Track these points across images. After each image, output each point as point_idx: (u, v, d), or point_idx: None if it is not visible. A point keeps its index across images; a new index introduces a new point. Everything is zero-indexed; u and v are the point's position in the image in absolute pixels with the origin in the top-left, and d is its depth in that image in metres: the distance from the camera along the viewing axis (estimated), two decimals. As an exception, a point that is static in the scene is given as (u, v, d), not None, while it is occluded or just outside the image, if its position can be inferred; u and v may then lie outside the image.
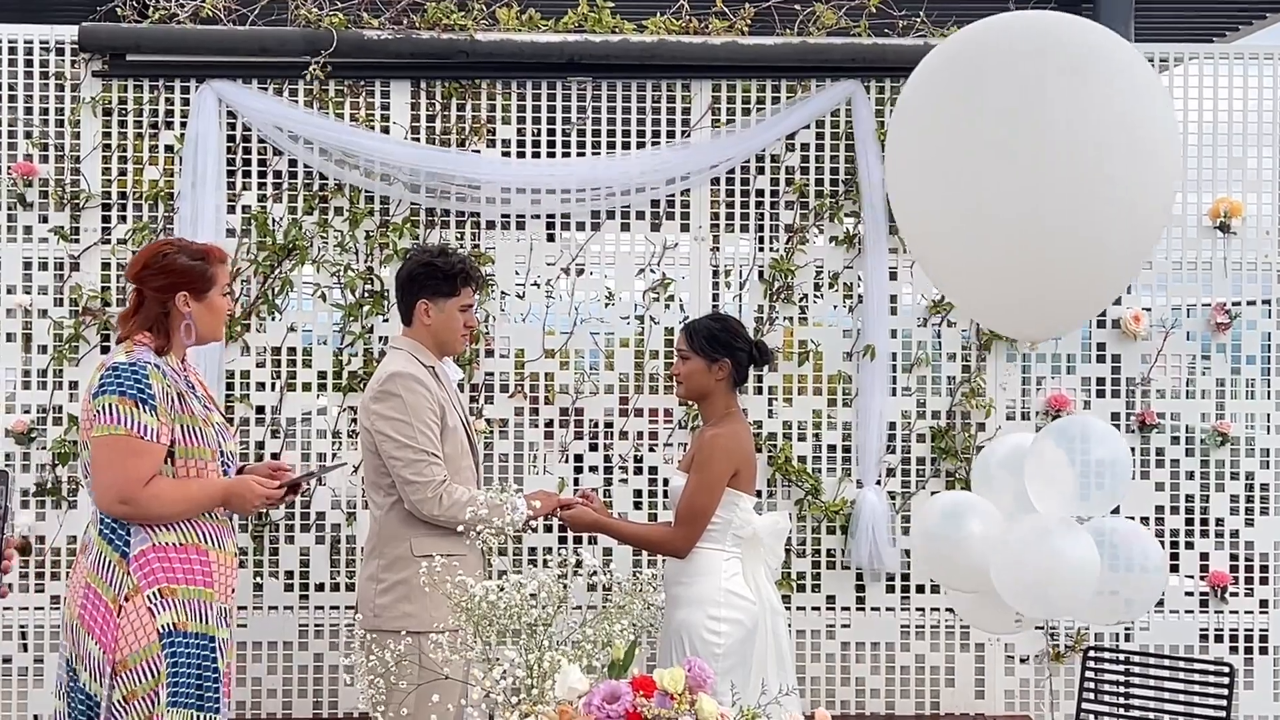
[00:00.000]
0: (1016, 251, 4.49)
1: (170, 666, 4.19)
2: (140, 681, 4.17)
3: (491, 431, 6.36)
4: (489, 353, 6.42)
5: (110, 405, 4.21)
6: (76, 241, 6.28)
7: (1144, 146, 4.42)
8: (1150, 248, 4.92)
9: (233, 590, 4.44)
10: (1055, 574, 4.70)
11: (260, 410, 6.35)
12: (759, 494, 5.93)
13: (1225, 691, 5.25)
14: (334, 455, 6.30)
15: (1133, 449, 6.39)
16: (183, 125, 6.30)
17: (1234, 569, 6.48)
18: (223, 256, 4.56)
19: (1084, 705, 5.49)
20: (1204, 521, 6.48)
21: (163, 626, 4.19)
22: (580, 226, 6.49)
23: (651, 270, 6.47)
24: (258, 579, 6.31)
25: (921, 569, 6.13)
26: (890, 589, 6.46)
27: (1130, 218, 4.46)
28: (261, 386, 6.35)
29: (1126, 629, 6.40)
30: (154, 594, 4.20)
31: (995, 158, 4.40)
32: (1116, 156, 4.36)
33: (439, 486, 4.75)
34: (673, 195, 6.46)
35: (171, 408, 4.27)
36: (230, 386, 6.30)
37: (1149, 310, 6.49)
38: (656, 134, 6.48)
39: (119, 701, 4.16)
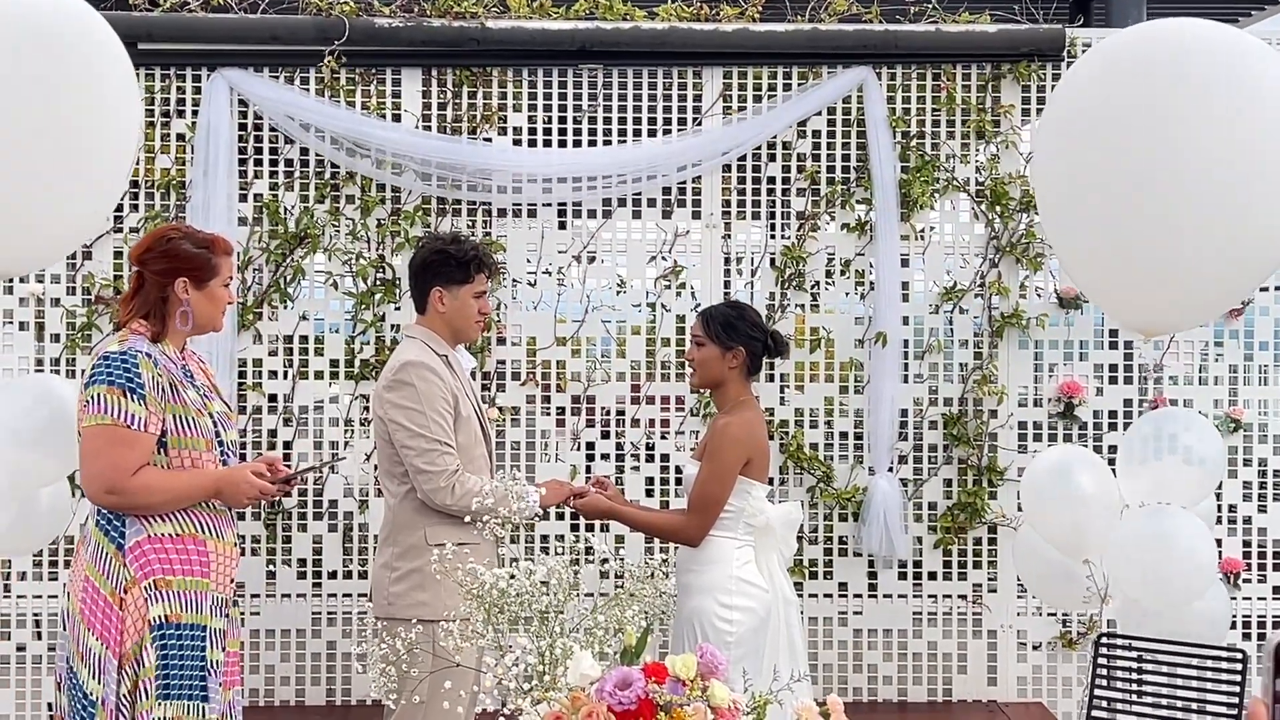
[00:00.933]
0: (1153, 257, 4.63)
1: (160, 658, 4.15)
2: (137, 673, 4.15)
3: (504, 419, 6.36)
4: (501, 340, 6.42)
5: (99, 395, 4.17)
6: (89, 230, 6.30)
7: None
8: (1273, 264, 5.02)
9: (232, 580, 4.41)
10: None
11: (272, 398, 6.36)
12: (771, 482, 5.93)
13: (1238, 678, 5.23)
14: (335, 455, 6.30)
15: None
16: (194, 114, 6.31)
17: (1247, 555, 6.48)
18: (228, 248, 4.51)
19: (1096, 691, 5.48)
20: (1217, 508, 6.47)
21: (154, 618, 4.15)
22: (592, 214, 6.49)
23: (663, 258, 6.47)
24: (270, 566, 6.32)
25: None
26: (902, 576, 6.46)
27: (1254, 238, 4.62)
28: (274, 375, 6.36)
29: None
30: (149, 585, 4.16)
31: (1136, 178, 4.55)
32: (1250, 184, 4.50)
33: (452, 476, 4.74)
34: (684, 182, 6.47)
35: (162, 396, 4.22)
36: (242, 375, 6.31)
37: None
38: (668, 121, 6.48)
39: (125, 695, 4.14)
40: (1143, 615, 5.38)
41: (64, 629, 4.27)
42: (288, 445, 6.30)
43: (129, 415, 4.16)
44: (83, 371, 6.12)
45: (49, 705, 6.20)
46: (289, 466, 4.78)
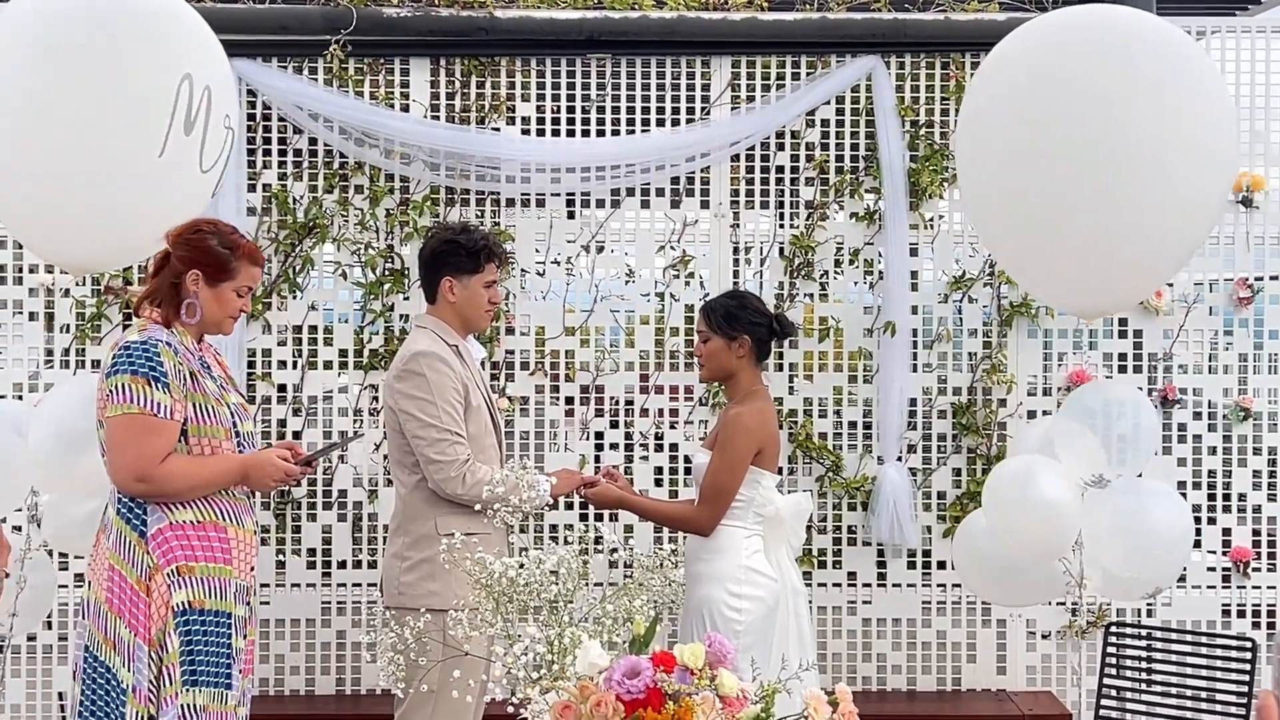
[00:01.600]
0: (1082, 232, 4.70)
1: (185, 644, 4.18)
2: (161, 658, 4.18)
3: (513, 409, 6.37)
4: (509, 330, 6.43)
5: (124, 384, 4.19)
6: (98, 221, 6.30)
7: (1201, 142, 4.68)
8: (1202, 235, 5.04)
9: (252, 568, 4.44)
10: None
11: (282, 388, 6.37)
12: (780, 471, 5.93)
13: (1248, 666, 5.24)
14: (354, 430, 6.31)
15: (1154, 424, 6.42)
16: (203, 104, 6.30)
17: (1256, 544, 6.47)
18: (255, 258, 4.44)
19: (1106, 680, 5.49)
20: (1226, 497, 6.47)
21: (178, 604, 4.17)
22: (600, 204, 6.49)
23: (672, 247, 6.47)
24: (280, 556, 6.34)
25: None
26: (911, 565, 6.46)
27: (1182, 207, 4.72)
28: (283, 365, 6.37)
29: (1149, 604, 6.40)
30: (172, 572, 4.19)
31: (1064, 151, 4.64)
32: (1176, 151, 4.62)
33: (463, 465, 4.75)
34: (693, 172, 6.46)
35: (184, 385, 4.25)
36: (251, 365, 6.32)
37: (1171, 285, 6.46)
38: (676, 111, 6.47)
39: (153, 680, 4.17)
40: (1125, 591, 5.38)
41: (84, 618, 4.29)
42: (297, 435, 6.30)
43: (155, 403, 4.18)
44: (94, 364, 6.19)
45: (59, 694, 6.22)
46: (306, 450, 4.79)
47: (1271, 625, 6.44)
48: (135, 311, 4.43)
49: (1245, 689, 5.24)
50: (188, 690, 4.17)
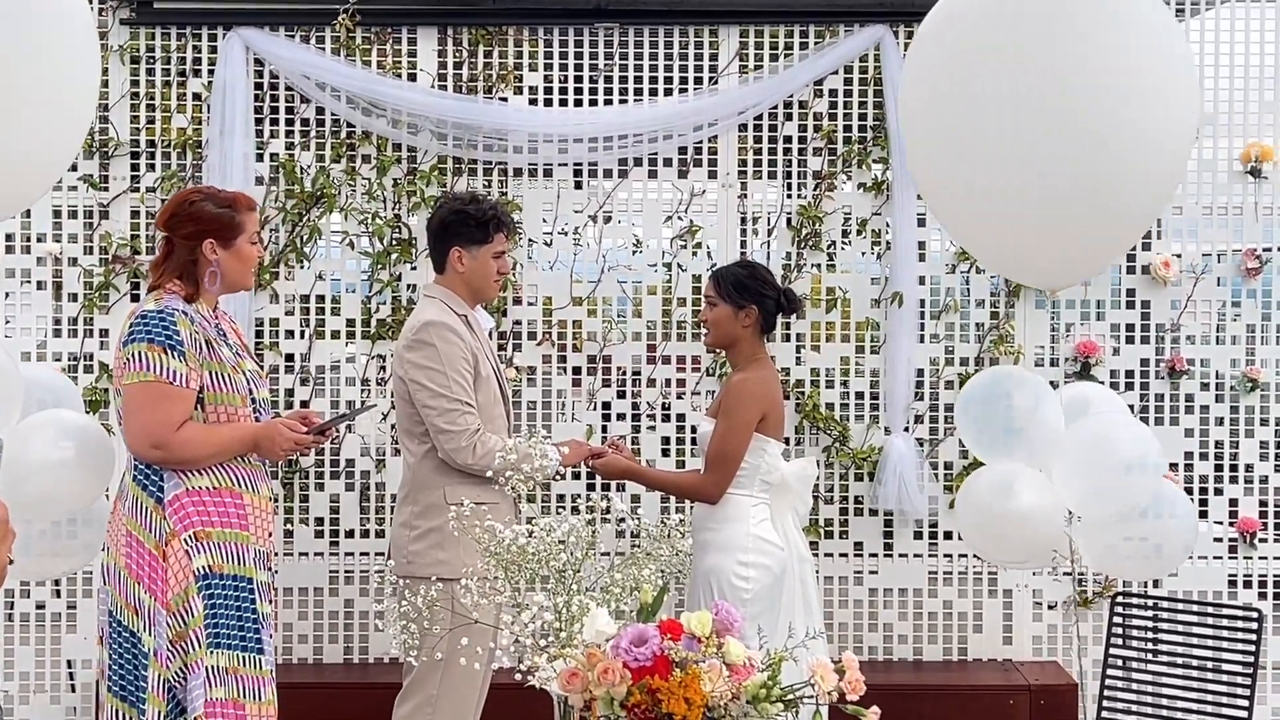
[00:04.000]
0: (1035, 200, 4.54)
1: (209, 608, 4.24)
2: (184, 623, 4.22)
3: (520, 379, 6.37)
4: (517, 300, 6.43)
5: (140, 353, 4.25)
6: (106, 189, 6.30)
7: (1161, 89, 4.49)
8: (1168, 193, 4.96)
9: (270, 534, 4.49)
10: None
11: (289, 358, 6.38)
12: (786, 441, 5.94)
13: (1254, 637, 5.25)
14: (362, 400, 6.32)
15: (1161, 395, 6.41)
16: (210, 73, 6.30)
17: (1263, 515, 6.47)
18: (250, 204, 4.58)
19: (1112, 651, 5.50)
20: (1233, 467, 6.47)
21: (199, 569, 4.24)
22: (608, 174, 6.48)
23: (679, 217, 6.46)
24: (288, 525, 6.35)
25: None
26: (918, 535, 6.47)
27: (1148, 162, 4.53)
28: (290, 334, 6.38)
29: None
30: (190, 537, 4.24)
31: (1011, 105, 4.45)
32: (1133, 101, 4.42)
33: (473, 435, 4.76)
34: (700, 142, 6.45)
35: (200, 353, 4.31)
36: (259, 334, 6.32)
37: (1179, 256, 6.45)
38: (684, 80, 6.45)
39: (170, 644, 4.22)
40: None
41: (104, 583, 4.36)
42: (304, 404, 6.31)
43: (171, 371, 4.24)
44: (102, 333, 6.21)
45: (68, 662, 6.26)
46: (322, 417, 4.83)
47: (1279, 596, 6.44)
48: (151, 291, 4.48)
49: (1251, 659, 5.25)
50: (212, 653, 4.22)
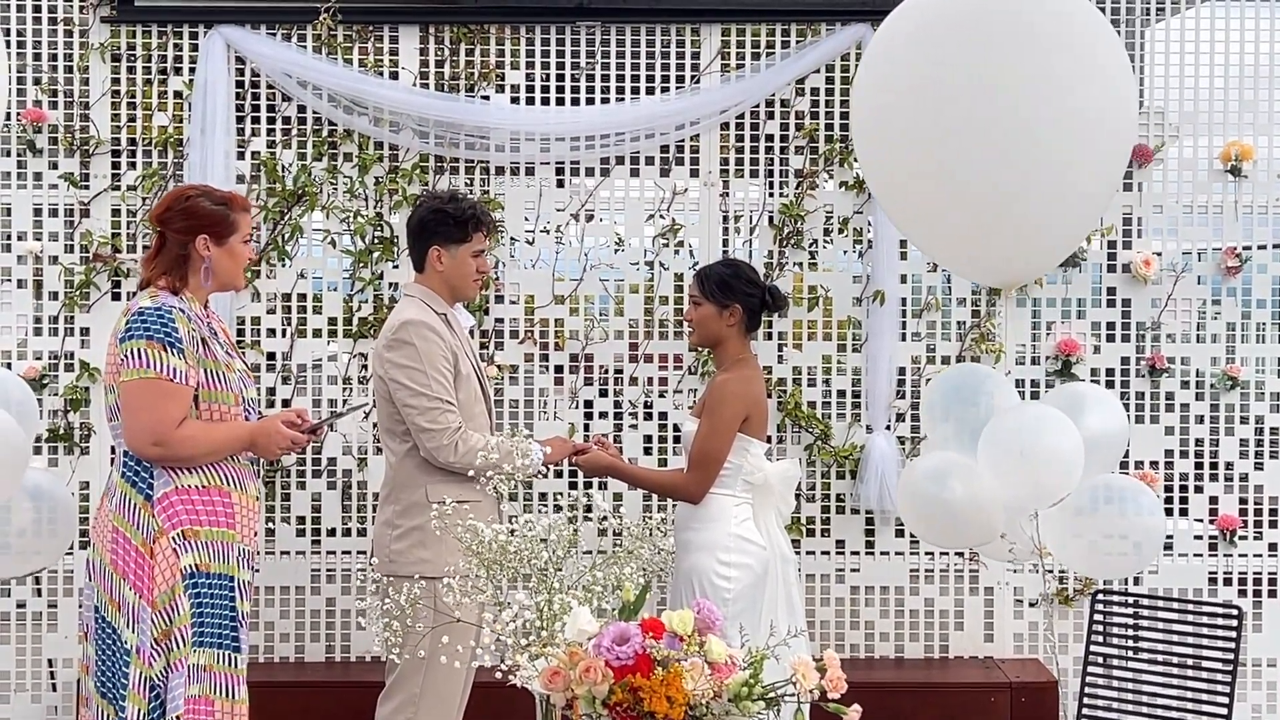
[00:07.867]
0: (978, 198, 4.68)
1: (194, 606, 4.24)
2: (169, 621, 4.22)
3: (502, 377, 6.37)
4: (499, 299, 6.42)
5: (139, 349, 4.25)
6: (86, 188, 6.29)
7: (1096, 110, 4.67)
8: (1110, 190, 5.09)
9: (255, 533, 4.50)
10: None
11: (271, 356, 6.37)
12: (769, 440, 5.94)
13: (1234, 634, 5.27)
14: (344, 401, 6.31)
15: (1142, 393, 6.43)
16: (191, 71, 6.28)
17: (1243, 512, 6.49)
18: (246, 205, 4.60)
19: (1093, 648, 5.52)
20: (1213, 465, 6.49)
21: (186, 567, 4.24)
22: (590, 172, 6.48)
23: (661, 216, 6.47)
24: (270, 524, 6.34)
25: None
26: (900, 533, 6.47)
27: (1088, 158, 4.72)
28: (272, 333, 6.37)
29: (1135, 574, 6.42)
30: (178, 535, 4.25)
31: (953, 105, 4.61)
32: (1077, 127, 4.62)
33: (454, 434, 4.76)
34: (682, 140, 6.45)
35: (196, 350, 4.32)
36: (241, 333, 6.31)
37: (1159, 254, 6.47)
38: (666, 79, 6.45)
39: (154, 642, 4.22)
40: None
41: (90, 580, 4.36)
42: (286, 403, 6.30)
43: (170, 368, 4.25)
44: (83, 331, 6.19)
45: (49, 661, 6.24)
46: (315, 417, 4.83)
47: (1259, 593, 6.47)
48: (144, 287, 4.47)
49: (1232, 656, 5.26)
50: (195, 650, 4.23)
